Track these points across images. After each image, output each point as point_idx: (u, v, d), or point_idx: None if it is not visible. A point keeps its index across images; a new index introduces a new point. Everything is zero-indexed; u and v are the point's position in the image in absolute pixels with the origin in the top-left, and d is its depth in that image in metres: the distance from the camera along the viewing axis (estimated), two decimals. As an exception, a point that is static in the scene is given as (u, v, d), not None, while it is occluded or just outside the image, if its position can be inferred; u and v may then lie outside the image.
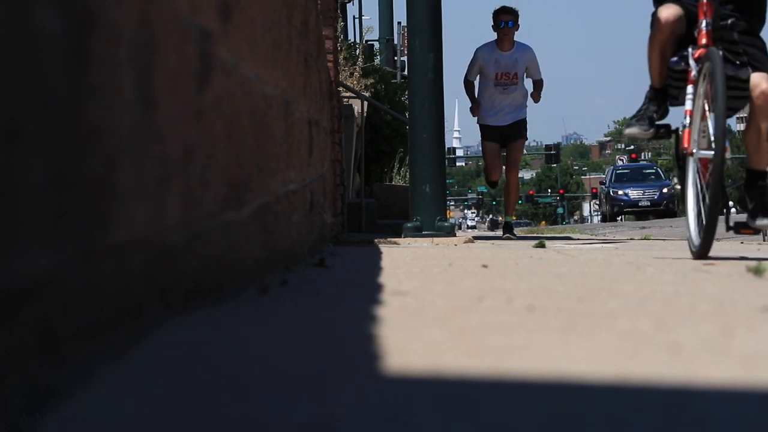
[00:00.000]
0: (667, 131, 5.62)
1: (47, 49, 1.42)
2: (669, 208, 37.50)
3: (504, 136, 10.69)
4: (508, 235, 10.56)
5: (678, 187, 5.72)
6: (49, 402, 1.38)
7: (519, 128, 10.69)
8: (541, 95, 10.73)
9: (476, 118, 10.79)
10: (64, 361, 1.47)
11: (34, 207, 1.37)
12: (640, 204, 37.96)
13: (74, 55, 1.51)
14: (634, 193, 38.31)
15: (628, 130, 5.71)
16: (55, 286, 1.44)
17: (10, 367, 1.29)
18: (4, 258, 1.27)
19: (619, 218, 38.29)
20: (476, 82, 10.83)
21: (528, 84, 10.85)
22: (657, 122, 5.61)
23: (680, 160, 5.37)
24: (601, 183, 43.11)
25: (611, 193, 39.02)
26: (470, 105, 10.81)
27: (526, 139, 10.94)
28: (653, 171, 40.95)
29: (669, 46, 5.43)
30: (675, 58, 5.41)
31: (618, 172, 41.49)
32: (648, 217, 36.06)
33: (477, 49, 10.72)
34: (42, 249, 1.39)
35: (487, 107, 10.70)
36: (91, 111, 1.59)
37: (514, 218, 11.34)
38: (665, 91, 5.57)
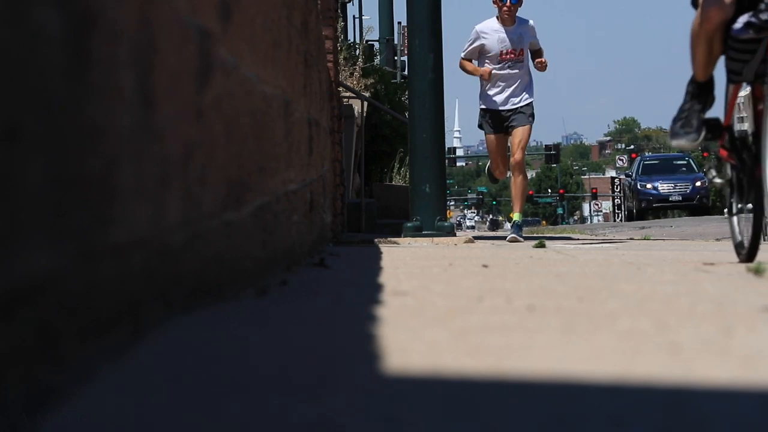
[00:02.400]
0: (716, 129, 4.89)
1: (47, 49, 1.42)
2: (702, 203, 33.59)
3: (508, 123, 9.73)
4: (513, 236, 9.54)
5: (717, 180, 4.98)
6: (49, 402, 1.38)
7: (524, 113, 9.71)
8: (545, 64, 9.76)
9: (479, 103, 9.79)
10: (64, 361, 1.47)
11: (34, 207, 1.37)
12: (670, 199, 33.82)
13: (74, 55, 1.51)
14: (664, 187, 33.84)
15: (675, 142, 5.01)
16: (55, 286, 1.44)
17: (11, 367, 1.29)
18: (4, 258, 1.27)
19: (648, 214, 33.72)
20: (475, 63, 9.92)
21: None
22: (704, 121, 4.88)
23: (737, 147, 4.75)
24: (627, 175, 38.16)
25: (638, 187, 34.46)
26: (476, 75, 9.80)
27: (533, 120, 9.79)
28: (684, 162, 36.13)
29: (718, 38, 4.72)
30: (739, 25, 4.59)
31: (645, 163, 36.81)
32: (680, 213, 32.86)
33: (477, 27, 9.86)
34: (42, 249, 1.39)
35: (492, 89, 9.75)
36: (91, 111, 1.59)
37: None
38: (710, 82, 4.89)
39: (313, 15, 6.62)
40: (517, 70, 9.74)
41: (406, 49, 24.99)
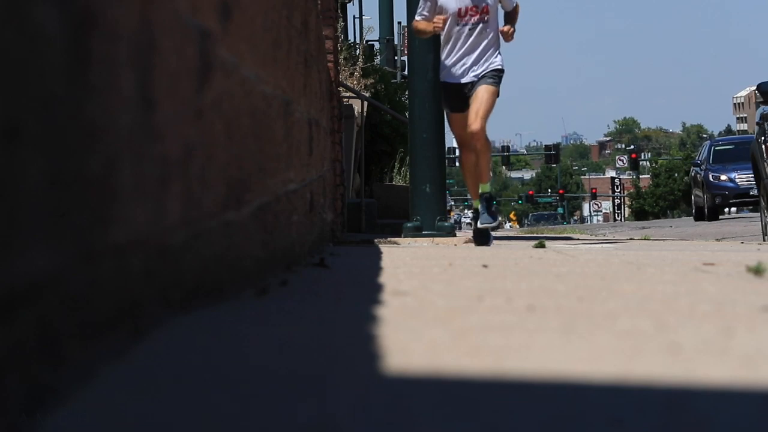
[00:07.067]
0: None
1: (47, 49, 1.42)
2: None
3: (469, 94, 8.29)
4: (485, 225, 8.18)
5: None
6: (49, 402, 1.38)
7: (487, 76, 8.24)
8: (515, 30, 8.27)
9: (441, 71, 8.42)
10: (64, 361, 1.47)
11: (34, 207, 1.37)
12: (751, 193, 25.17)
13: (74, 55, 1.51)
14: (741, 178, 26.53)
15: None
16: (55, 286, 1.44)
17: (10, 367, 1.29)
18: (4, 258, 1.27)
19: (724, 211, 27.97)
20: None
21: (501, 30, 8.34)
22: None
23: None
24: (694, 165, 29.97)
25: (710, 179, 26.99)
26: (429, 32, 8.30)
27: (498, 84, 8.24)
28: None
29: None
30: None
31: (717, 148, 28.56)
32: (754, 208, 26.59)
33: None
34: (42, 249, 1.39)
35: (450, 57, 8.31)
36: (91, 111, 1.59)
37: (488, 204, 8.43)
38: None
39: (313, 15, 6.62)
40: (480, 33, 8.26)
41: (406, 49, 25.03)
